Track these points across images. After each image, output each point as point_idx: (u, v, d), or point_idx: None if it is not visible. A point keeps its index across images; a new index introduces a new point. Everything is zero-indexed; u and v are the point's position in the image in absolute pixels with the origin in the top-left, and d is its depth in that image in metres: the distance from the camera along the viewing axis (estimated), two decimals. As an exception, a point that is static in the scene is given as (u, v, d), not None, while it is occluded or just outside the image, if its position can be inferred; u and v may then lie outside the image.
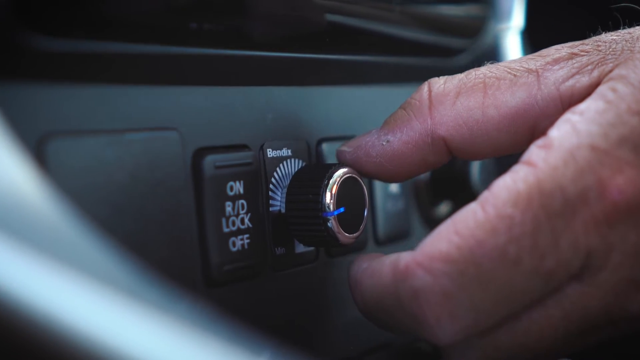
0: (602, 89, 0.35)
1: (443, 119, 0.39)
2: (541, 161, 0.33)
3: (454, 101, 0.39)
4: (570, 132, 0.34)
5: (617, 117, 0.33)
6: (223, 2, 0.39)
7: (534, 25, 0.66)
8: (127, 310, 0.25)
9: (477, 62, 0.59)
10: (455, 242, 0.33)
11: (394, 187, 0.53)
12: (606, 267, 0.33)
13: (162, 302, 0.26)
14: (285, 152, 0.44)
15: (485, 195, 0.34)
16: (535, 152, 0.34)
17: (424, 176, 0.56)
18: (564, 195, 0.32)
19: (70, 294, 0.25)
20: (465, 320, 0.33)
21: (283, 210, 0.43)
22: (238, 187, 0.41)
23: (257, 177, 0.42)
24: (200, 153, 0.39)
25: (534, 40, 0.66)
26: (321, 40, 0.45)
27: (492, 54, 0.62)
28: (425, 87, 0.40)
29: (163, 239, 0.37)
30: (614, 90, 0.34)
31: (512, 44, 0.64)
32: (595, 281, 0.33)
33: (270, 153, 0.43)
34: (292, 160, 0.45)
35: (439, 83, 0.40)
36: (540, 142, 0.34)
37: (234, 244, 0.40)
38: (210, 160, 0.39)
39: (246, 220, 0.41)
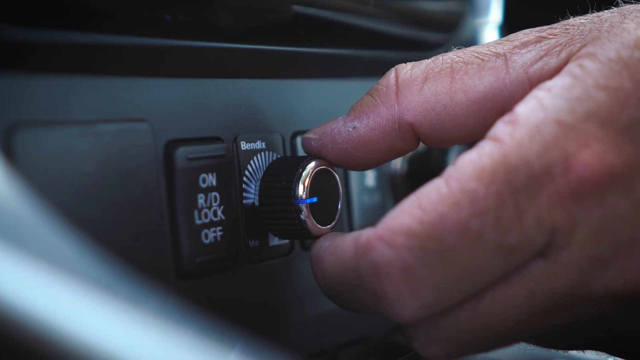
0: (569, 66, 0.34)
1: (410, 105, 0.39)
2: (507, 136, 0.33)
3: (421, 87, 0.39)
4: (536, 107, 0.33)
5: (584, 92, 0.33)
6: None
7: (512, 19, 0.66)
8: (96, 303, 0.25)
9: (455, 57, 0.60)
10: (417, 216, 0.33)
11: (370, 181, 0.53)
12: (571, 244, 0.33)
13: (132, 295, 0.26)
14: (259, 144, 0.44)
15: (449, 170, 0.33)
16: (501, 128, 0.33)
17: (401, 169, 0.56)
18: (529, 170, 0.32)
19: (37, 286, 0.25)
20: (427, 296, 0.33)
21: (257, 203, 0.43)
22: (211, 179, 0.40)
23: (230, 169, 0.42)
24: (172, 145, 0.39)
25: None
26: (296, 33, 0.45)
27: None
28: (392, 72, 0.40)
29: (134, 231, 0.37)
30: (581, 66, 0.34)
31: (490, 38, 0.64)
32: (559, 259, 0.33)
33: (244, 146, 0.43)
34: (266, 153, 0.45)
35: (406, 69, 0.40)
36: (506, 118, 0.34)
37: (206, 236, 0.40)
38: (182, 152, 0.39)
39: (219, 213, 0.41)
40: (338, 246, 0.36)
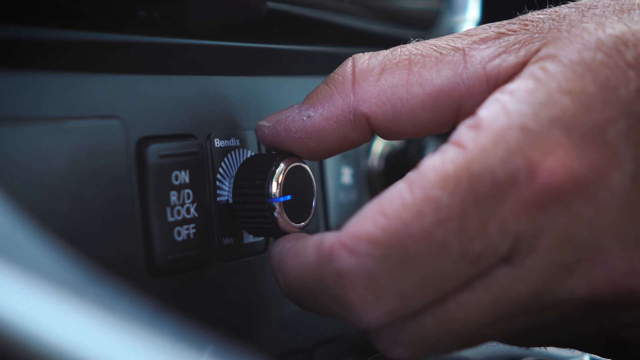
0: (531, 68, 0.34)
1: (366, 96, 0.38)
2: (471, 142, 0.33)
3: (377, 77, 0.38)
4: (500, 112, 0.33)
5: (547, 97, 0.33)
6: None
7: (490, 17, 0.66)
8: (64, 303, 0.24)
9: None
10: (380, 224, 0.33)
11: (346, 178, 0.53)
12: (536, 250, 0.32)
13: (103, 294, 0.26)
14: (234, 142, 0.44)
15: (413, 176, 0.33)
16: (464, 133, 0.33)
17: (378, 166, 0.56)
18: (493, 178, 0.32)
19: (5, 286, 0.24)
20: (391, 303, 0.33)
21: (231, 201, 0.43)
22: (183, 176, 0.40)
23: (204, 166, 0.42)
24: (144, 142, 0.39)
25: (489, 32, 0.66)
26: (270, 30, 0.45)
27: (448, 35, 0.62)
28: (349, 62, 0.40)
29: (105, 229, 0.37)
30: (543, 69, 0.34)
31: (467, 36, 0.64)
32: (524, 265, 0.33)
33: (218, 143, 0.43)
34: (241, 150, 0.44)
35: (364, 59, 0.39)
36: (469, 121, 0.34)
37: (179, 234, 0.40)
38: (154, 149, 0.39)
39: (192, 210, 0.41)
40: (300, 250, 0.36)
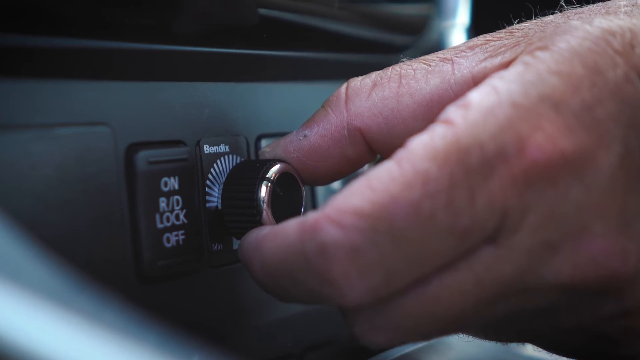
0: (522, 57, 0.35)
1: (359, 110, 0.39)
2: (460, 118, 0.33)
3: (369, 93, 0.39)
4: (490, 91, 0.33)
5: (537, 76, 0.33)
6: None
7: (480, 22, 0.66)
8: (52, 311, 0.24)
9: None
10: (368, 197, 0.32)
11: (336, 184, 0.53)
12: (521, 228, 0.33)
13: (91, 301, 0.26)
14: (223, 148, 0.44)
15: (400, 153, 0.33)
16: (453, 111, 0.33)
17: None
18: (482, 151, 0.32)
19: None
20: (375, 278, 0.32)
21: (220, 207, 0.43)
22: (173, 182, 0.40)
23: (193, 173, 0.42)
24: (133, 148, 0.39)
25: (479, 37, 0.66)
26: (259, 36, 0.45)
27: (437, 51, 0.62)
28: (344, 85, 0.41)
29: (94, 236, 0.37)
30: (533, 56, 0.34)
31: (457, 41, 0.64)
32: (510, 244, 0.33)
33: (207, 149, 0.43)
34: (230, 156, 0.44)
35: (357, 80, 0.41)
36: (459, 102, 0.34)
37: (168, 240, 0.40)
38: (143, 155, 0.39)
39: (181, 217, 0.41)
40: (279, 231, 0.35)
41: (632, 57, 0.34)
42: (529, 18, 0.42)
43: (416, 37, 0.59)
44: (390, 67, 0.40)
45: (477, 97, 0.33)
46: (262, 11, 0.44)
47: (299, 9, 0.47)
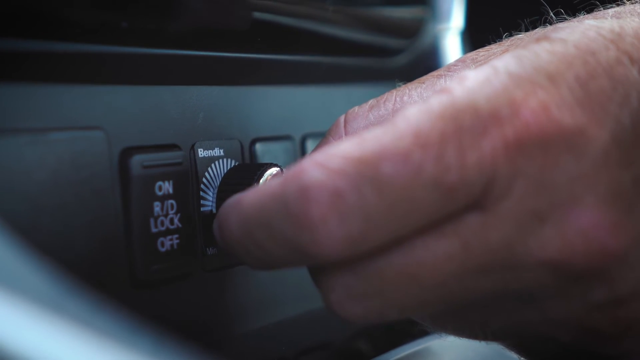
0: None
1: (356, 131, 0.40)
2: (457, 86, 0.33)
3: (366, 115, 0.40)
4: (486, 67, 0.34)
5: (532, 53, 0.34)
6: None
7: (474, 25, 0.66)
8: (47, 315, 0.24)
9: (417, 63, 0.60)
10: (357, 143, 0.32)
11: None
12: (509, 195, 0.32)
13: (85, 306, 0.26)
14: (218, 152, 0.44)
15: (394, 117, 0.33)
16: (449, 83, 0.34)
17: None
18: (476, 112, 0.32)
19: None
20: (354, 226, 0.32)
21: (214, 211, 0.43)
22: (167, 187, 0.40)
23: (187, 177, 0.42)
24: (127, 153, 0.39)
25: (474, 40, 0.66)
26: (253, 40, 0.45)
27: (432, 54, 0.63)
28: (343, 114, 0.42)
29: (88, 241, 0.37)
30: (527, 46, 0.35)
31: (451, 45, 0.64)
32: (497, 210, 0.32)
33: (202, 153, 0.43)
34: (225, 160, 0.44)
35: (355, 107, 0.41)
36: (455, 77, 0.35)
37: (162, 244, 0.40)
38: (137, 159, 0.39)
39: (175, 221, 0.41)
40: (262, 185, 0.35)
41: (622, 44, 0.35)
42: (521, 22, 0.42)
43: (410, 40, 0.59)
44: (387, 92, 0.41)
45: (474, 72, 0.34)
46: (256, 15, 0.44)
47: (294, 13, 0.47)
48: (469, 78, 0.34)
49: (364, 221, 0.32)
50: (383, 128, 0.33)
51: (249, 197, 0.34)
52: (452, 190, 0.32)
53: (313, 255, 0.32)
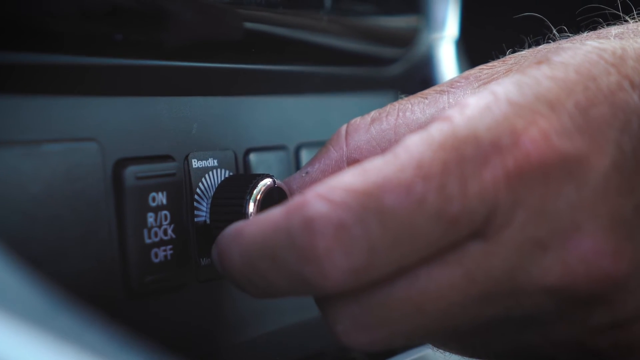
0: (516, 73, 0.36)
1: (357, 144, 0.40)
2: (456, 114, 0.33)
3: (368, 127, 0.41)
4: (486, 93, 0.34)
5: (533, 80, 0.34)
6: (145, 11, 0.39)
7: (469, 34, 0.66)
8: (38, 326, 0.24)
9: (411, 72, 0.60)
10: (359, 174, 0.32)
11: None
12: (511, 223, 0.33)
13: (78, 318, 0.26)
14: (212, 162, 0.44)
15: (394, 146, 0.33)
16: (450, 110, 0.34)
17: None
18: (477, 141, 0.32)
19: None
20: (359, 257, 0.32)
21: (208, 221, 0.43)
22: (161, 198, 0.40)
23: (181, 187, 0.42)
24: (121, 164, 0.39)
25: (468, 49, 0.66)
26: (247, 50, 0.45)
27: (426, 63, 0.63)
28: (344, 125, 0.42)
29: (82, 252, 0.37)
30: (528, 70, 0.35)
31: (446, 54, 0.64)
32: (499, 239, 0.33)
33: (196, 163, 0.43)
34: (219, 170, 0.44)
35: (357, 118, 0.42)
36: (455, 105, 0.35)
37: (156, 255, 0.40)
38: (131, 171, 0.39)
39: (169, 232, 0.41)
40: (263, 215, 0.34)
41: (624, 68, 0.35)
42: (518, 30, 0.42)
43: (405, 49, 0.59)
44: (389, 104, 0.41)
45: (474, 98, 0.34)
46: (250, 25, 0.44)
47: (287, 23, 0.47)
48: (469, 106, 0.33)
49: (369, 252, 0.32)
50: (384, 158, 0.33)
51: (250, 227, 0.34)
52: (454, 220, 0.32)
53: (318, 286, 0.33)
